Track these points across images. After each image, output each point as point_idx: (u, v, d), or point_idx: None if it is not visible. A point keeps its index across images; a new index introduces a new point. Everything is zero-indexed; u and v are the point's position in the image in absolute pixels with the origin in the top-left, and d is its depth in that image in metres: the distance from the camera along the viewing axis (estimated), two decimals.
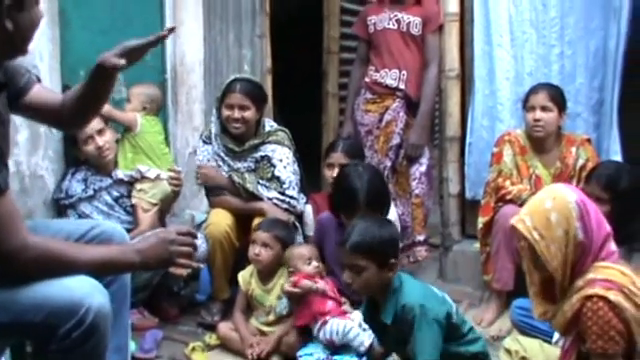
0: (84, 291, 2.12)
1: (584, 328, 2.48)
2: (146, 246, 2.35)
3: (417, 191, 4.64)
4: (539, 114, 4.04)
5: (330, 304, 3.48)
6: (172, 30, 2.71)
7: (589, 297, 2.47)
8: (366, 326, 3.28)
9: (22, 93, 2.52)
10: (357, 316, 3.37)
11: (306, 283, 3.48)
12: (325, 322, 3.42)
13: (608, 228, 2.61)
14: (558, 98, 4.08)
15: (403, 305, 2.80)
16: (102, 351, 2.21)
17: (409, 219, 4.62)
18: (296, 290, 3.50)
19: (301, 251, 3.64)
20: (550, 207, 2.56)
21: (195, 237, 2.45)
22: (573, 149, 4.09)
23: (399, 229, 4.13)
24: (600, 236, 2.57)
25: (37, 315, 2.08)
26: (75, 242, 2.48)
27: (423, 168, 4.66)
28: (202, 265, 3.80)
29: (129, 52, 2.53)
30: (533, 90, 4.14)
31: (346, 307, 3.51)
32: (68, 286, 2.12)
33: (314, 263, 3.59)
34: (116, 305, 2.38)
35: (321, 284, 3.45)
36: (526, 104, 4.13)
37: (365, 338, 3.29)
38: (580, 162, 4.05)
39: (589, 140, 4.17)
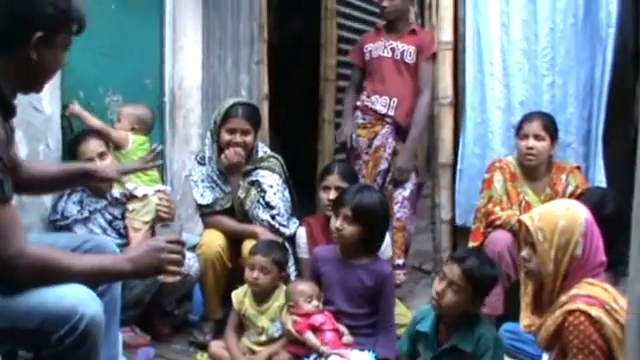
0: (78, 299, 2.17)
1: (566, 342, 2.54)
2: (137, 254, 2.42)
3: (398, 215, 4.69)
4: (532, 142, 4.08)
5: (329, 335, 3.46)
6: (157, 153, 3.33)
7: (571, 312, 2.53)
8: None
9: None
10: (355, 356, 3.36)
11: (311, 340, 3.43)
12: (321, 355, 3.40)
13: (604, 258, 2.69)
14: (551, 127, 4.12)
15: (481, 335, 3.02)
16: (94, 359, 2.26)
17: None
18: (297, 337, 3.48)
19: (303, 288, 3.62)
20: (561, 214, 2.66)
21: (183, 245, 2.52)
22: (563, 176, 4.14)
23: (390, 253, 4.19)
24: (595, 260, 2.66)
25: (31, 321, 2.13)
26: None
27: (406, 193, 4.71)
28: (193, 273, 3.83)
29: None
30: (527, 118, 4.18)
31: (346, 338, 3.49)
32: (62, 294, 2.17)
33: (314, 302, 3.56)
34: (107, 317, 2.41)
35: (326, 348, 3.38)
36: (519, 131, 4.17)
37: None
38: (569, 189, 4.09)
39: (579, 167, 4.22)
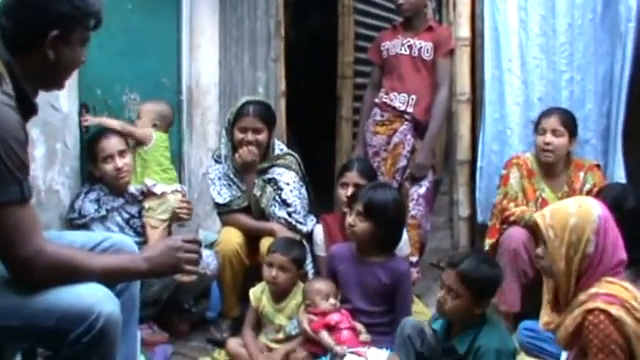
0: (95, 298, 2.18)
1: (586, 341, 2.51)
2: (154, 253, 2.44)
3: (413, 212, 4.66)
4: (550, 137, 4.06)
5: (345, 334, 3.46)
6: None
7: (591, 311, 2.50)
8: None
9: None
10: (373, 354, 3.35)
11: (326, 340, 3.42)
12: (336, 354, 3.39)
13: (624, 256, 2.65)
14: (570, 123, 4.09)
15: (480, 346, 2.91)
16: (112, 358, 2.26)
17: None
18: (313, 336, 3.48)
19: (320, 287, 3.60)
20: (573, 211, 2.62)
21: (200, 244, 2.54)
22: (581, 174, 4.11)
23: (408, 250, 4.18)
24: (613, 259, 2.61)
25: (48, 320, 2.14)
26: None
27: (422, 190, 4.69)
28: (209, 271, 3.83)
29: None
30: (546, 113, 4.16)
31: (364, 336, 3.48)
32: (79, 292, 2.18)
33: (331, 300, 3.56)
34: (125, 315, 2.43)
35: (339, 348, 3.38)
36: (537, 127, 4.15)
37: None
38: (587, 187, 4.05)
39: (598, 166, 4.18)
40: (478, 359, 2.90)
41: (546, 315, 2.77)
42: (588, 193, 3.92)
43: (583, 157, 4.26)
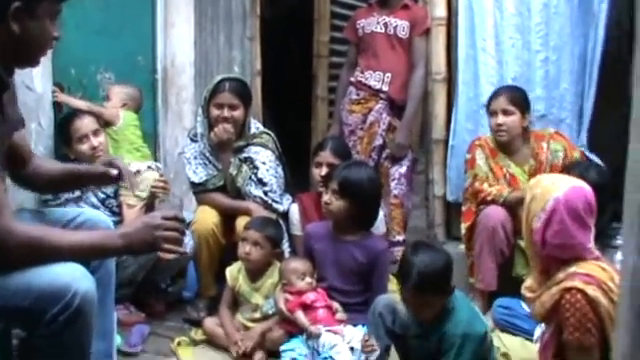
0: (71, 276, 2.16)
1: (562, 319, 2.57)
2: (130, 230, 2.37)
3: (396, 192, 4.69)
4: (501, 118, 4.04)
5: (321, 313, 3.47)
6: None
7: (568, 289, 2.55)
8: (355, 345, 3.27)
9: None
10: (349, 332, 3.38)
11: (301, 320, 3.43)
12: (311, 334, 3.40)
13: (574, 242, 2.64)
14: (519, 100, 4.07)
15: (445, 331, 2.86)
16: (88, 336, 2.26)
17: (388, 219, 4.61)
18: (288, 315, 3.48)
19: (296, 266, 3.61)
20: (544, 184, 2.72)
21: (182, 221, 2.46)
22: (544, 144, 4.09)
23: (384, 229, 4.20)
24: (553, 248, 2.65)
25: (24, 299, 2.12)
26: None
27: (403, 169, 4.72)
28: (188, 251, 3.80)
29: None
30: (494, 94, 4.15)
31: (340, 315, 3.49)
32: (55, 271, 2.16)
33: (307, 279, 3.56)
34: (100, 291, 2.41)
35: (314, 328, 3.37)
36: (489, 108, 4.15)
37: (346, 359, 3.28)
38: (559, 155, 4.04)
39: (557, 132, 4.18)
40: (443, 344, 2.87)
41: (530, 278, 2.81)
42: (564, 168, 3.80)
43: (542, 128, 4.25)
